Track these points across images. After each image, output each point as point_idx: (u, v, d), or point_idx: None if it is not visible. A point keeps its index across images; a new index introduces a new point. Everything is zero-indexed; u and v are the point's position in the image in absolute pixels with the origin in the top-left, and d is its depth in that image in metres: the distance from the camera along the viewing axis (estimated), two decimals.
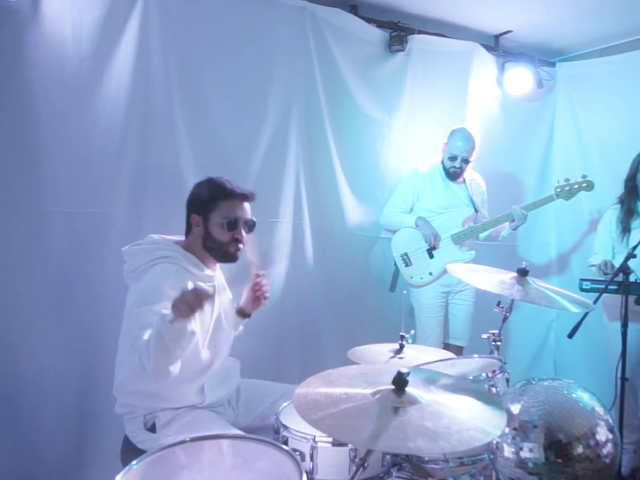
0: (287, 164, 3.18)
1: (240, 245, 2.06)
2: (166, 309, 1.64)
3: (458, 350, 3.37)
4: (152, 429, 1.94)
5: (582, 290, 2.90)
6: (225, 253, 2.05)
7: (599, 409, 1.48)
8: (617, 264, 3.04)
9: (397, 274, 3.47)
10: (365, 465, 1.35)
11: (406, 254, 3.40)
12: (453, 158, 3.33)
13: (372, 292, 3.57)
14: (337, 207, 3.42)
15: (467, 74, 3.90)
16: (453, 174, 3.38)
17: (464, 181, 3.45)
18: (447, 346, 3.38)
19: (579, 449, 1.41)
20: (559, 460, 1.41)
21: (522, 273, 2.02)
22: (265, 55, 3.10)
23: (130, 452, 1.95)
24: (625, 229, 3.10)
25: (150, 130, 2.79)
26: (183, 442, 1.52)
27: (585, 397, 1.50)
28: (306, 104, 3.24)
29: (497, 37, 4.06)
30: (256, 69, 3.08)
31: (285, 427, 1.83)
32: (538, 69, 4.10)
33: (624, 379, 2.69)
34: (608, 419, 1.46)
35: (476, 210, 3.44)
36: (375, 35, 3.52)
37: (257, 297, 2.22)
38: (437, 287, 3.38)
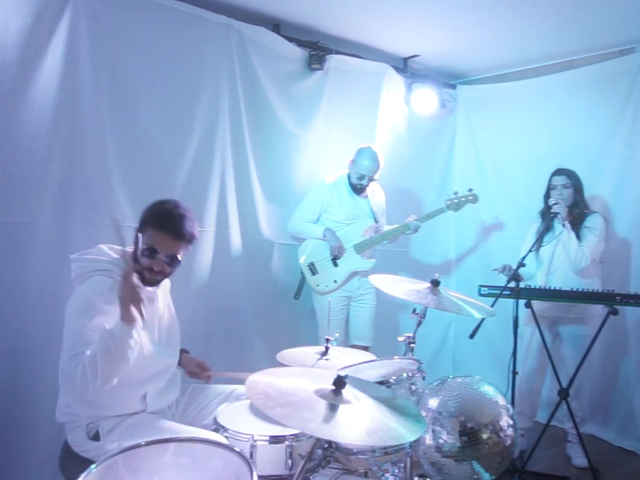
0: (212, 175, 3.29)
1: (157, 275, 2.08)
2: (108, 324, 1.75)
3: (364, 350, 3.62)
4: (96, 437, 2.00)
5: (480, 295, 3.25)
6: (142, 276, 2.04)
7: (502, 400, 1.77)
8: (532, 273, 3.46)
9: (303, 283, 3.66)
10: (312, 457, 1.53)
11: (312, 264, 3.59)
12: (361, 177, 3.56)
13: (281, 297, 3.74)
14: (258, 216, 3.58)
15: (378, 93, 4.20)
16: (359, 189, 3.63)
17: (366, 195, 3.72)
18: (353, 347, 3.62)
19: (486, 434, 1.68)
20: (470, 444, 1.67)
21: (435, 284, 2.29)
22: (192, 68, 3.20)
23: (73, 460, 2.01)
24: (539, 242, 3.43)
25: (78, 140, 2.80)
26: (135, 446, 1.60)
27: (490, 391, 1.78)
28: (230, 117, 3.37)
29: (406, 59, 4.39)
30: (184, 81, 3.17)
31: (224, 428, 1.98)
32: (441, 90, 4.49)
33: (514, 372, 3.07)
34: (509, 408, 1.75)
35: (376, 221, 3.72)
36: (296, 53, 3.72)
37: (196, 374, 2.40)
38: (339, 292, 3.61)
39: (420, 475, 1.63)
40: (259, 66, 3.50)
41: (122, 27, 2.92)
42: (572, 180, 3.44)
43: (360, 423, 1.47)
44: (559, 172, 3.48)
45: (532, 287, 3.23)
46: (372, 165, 3.55)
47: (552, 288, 3.16)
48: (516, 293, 3.06)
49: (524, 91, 4.39)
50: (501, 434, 1.69)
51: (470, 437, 1.68)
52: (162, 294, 2.23)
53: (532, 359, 3.50)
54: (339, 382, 1.56)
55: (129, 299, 1.79)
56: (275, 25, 3.60)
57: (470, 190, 3.76)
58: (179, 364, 2.35)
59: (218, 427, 2.00)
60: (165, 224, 2.04)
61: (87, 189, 2.83)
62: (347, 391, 1.58)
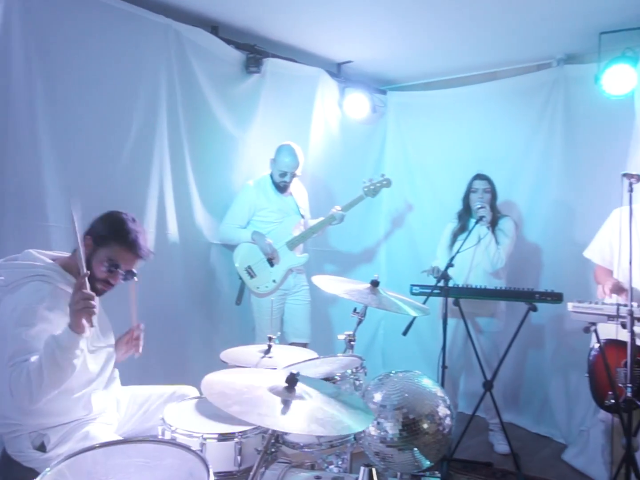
0: (150, 176, 3.28)
1: (109, 288, 2.12)
2: (49, 331, 1.76)
3: (303, 347, 3.72)
4: (42, 447, 1.96)
5: (412, 294, 3.41)
6: (92, 285, 2.01)
7: (439, 392, 1.90)
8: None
9: (243, 288, 3.71)
10: (271, 451, 1.60)
11: (249, 267, 3.65)
12: (283, 174, 3.66)
13: (230, 298, 3.78)
14: (196, 217, 3.59)
15: (313, 96, 4.31)
16: (283, 187, 3.73)
17: (290, 192, 3.82)
18: (293, 345, 3.71)
19: (426, 424, 1.80)
20: (412, 434, 1.79)
21: (374, 284, 2.41)
22: (130, 67, 3.17)
23: (14, 471, 1.97)
24: (454, 240, 3.67)
25: (10, 142, 2.71)
26: (90, 448, 1.61)
27: (429, 384, 1.92)
28: (168, 117, 3.36)
29: (339, 65, 4.51)
30: (121, 80, 3.14)
31: (172, 428, 2.00)
32: (372, 95, 4.65)
33: (444, 367, 3.24)
34: (446, 399, 1.89)
35: (302, 217, 3.83)
36: (234, 56, 3.75)
37: (129, 347, 2.34)
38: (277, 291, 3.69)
39: (365, 465, 1.73)
40: (197, 67, 3.51)
41: (57, 23, 2.86)
42: (491, 185, 3.68)
43: (313, 417, 1.56)
44: (480, 176, 3.70)
45: (460, 286, 3.43)
46: (293, 161, 3.65)
47: (478, 287, 3.37)
48: (445, 292, 3.24)
49: (450, 99, 4.63)
50: (440, 423, 1.82)
51: (411, 427, 1.80)
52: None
53: (456, 353, 3.72)
54: (292, 379, 1.64)
55: (82, 309, 1.77)
56: (214, 27, 3.62)
57: (382, 175, 3.99)
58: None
59: (166, 427, 2.02)
60: (132, 243, 2.08)
61: (20, 193, 2.74)
62: (299, 387, 1.66)
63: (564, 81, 4.02)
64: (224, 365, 2.32)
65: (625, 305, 2.37)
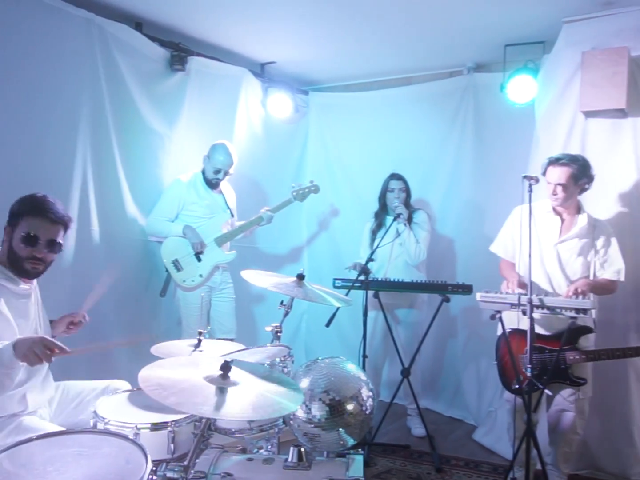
0: (74, 172, 3.23)
1: (39, 265, 2.10)
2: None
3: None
4: None
5: (335, 287, 3.57)
6: (21, 268, 2.06)
7: (362, 375, 2.06)
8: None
9: (169, 280, 3.75)
10: (206, 435, 1.69)
11: (177, 260, 3.69)
12: (217, 171, 3.74)
13: (156, 293, 3.80)
14: (122, 213, 3.58)
15: (237, 96, 4.38)
16: (215, 184, 3.81)
17: (220, 190, 3.90)
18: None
19: (351, 405, 1.96)
20: (337, 415, 1.94)
21: (300, 277, 2.54)
22: (52, 61, 3.11)
23: None
24: (374, 238, 3.85)
25: None
26: (28, 440, 1.64)
27: (353, 368, 2.07)
28: (93, 114, 3.33)
29: (263, 65, 4.61)
30: (42, 74, 3.07)
31: (105, 419, 2.04)
32: (295, 96, 4.78)
33: (364, 356, 3.43)
34: (368, 382, 2.05)
35: (232, 215, 3.92)
36: (158, 53, 3.75)
37: (68, 329, 2.35)
38: (204, 287, 3.75)
39: (295, 445, 1.85)
40: (121, 62, 3.49)
41: None
42: (406, 184, 3.90)
43: (249, 401, 1.66)
44: (396, 176, 3.91)
45: (380, 279, 3.63)
46: (227, 159, 3.75)
47: (396, 280, 3.58)
48: (366, 285, 3.42)
49: (369, 101, 4.84)
50: (363, 404, 1.98)
51: (337, 408, 1.94)
52: (33, 289, 2.22)
53: (376, 343, 3.91)
54: (226, 367, 1.74)
55: (34, 355, 1.80)
56: (138, 24, 3.61)
57: (311, 181, 4.16)
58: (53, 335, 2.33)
59: (98, 419, 2.05)
60: (42, 209, 2.07)
61: None
62: (233, 374, 1.76)
63: (473, 88, 4.33)
64: (151, 359, 2.36)
65: (526, 295, 2.63)
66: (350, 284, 3.42)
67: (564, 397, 2.97)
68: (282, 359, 2.23)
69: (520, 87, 3.88)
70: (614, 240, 3.00)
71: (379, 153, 4.70)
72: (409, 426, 4.02)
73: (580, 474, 3.30)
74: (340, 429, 1.95)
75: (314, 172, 5.03)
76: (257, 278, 2.50)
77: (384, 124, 4.75)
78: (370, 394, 2.02)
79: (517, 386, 2.80)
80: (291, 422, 2.00)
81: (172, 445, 2.02)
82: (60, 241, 2.14)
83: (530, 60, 3.91)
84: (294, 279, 2.53)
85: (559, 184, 2.92)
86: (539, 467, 2.84)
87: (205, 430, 1.73)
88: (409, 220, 3.80)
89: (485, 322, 3.81)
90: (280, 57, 4.47)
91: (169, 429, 2.03)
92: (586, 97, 3.30)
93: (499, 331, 3.00)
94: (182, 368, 1.82)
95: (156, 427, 2.04)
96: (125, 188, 3.59)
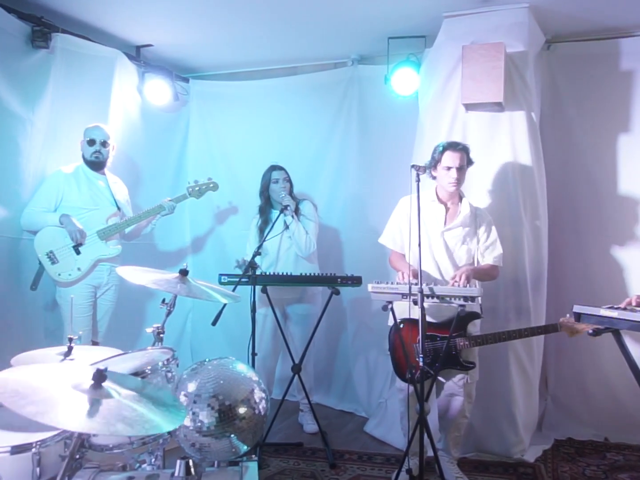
0: None
1: None
2: None
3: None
4: None
5: (221, 283, 3.39)
6: None
7: (253, 376, 1.92)
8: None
9: (41, 273, 3.40)
10: (76, 457, 1.46)
11: (52, 252, 3.36)
12: (91, 142, 3.49)
13: (15, 294, 3.41)
14: None
15: (110, 79, 4.04)
16: (98, 164, 3.53)
17: (107, 183, 3.60)
18: (95, 344, 3.47)
19: (242, 409, 1.81)
20: (228, 421, 1.78)
21: (183, 273, 2.34)
22: None
23: None
24: (262, 235, 3.69)
25: None
26: None
27: (243, 368, 1.92)
28: None
29: (138, 48, 4.29)
30: None
31: None
32: (175, 82, 4.51)
33: (254, 354, 3.28)
34: (260, 382, 1.91)
35: (119, 209, 3.63)
36: (16, 27, 3.35)
37: None
38: (86, 286, 3.45)
39: (181, 458, 1.68)
40: None
41: None
42: (288, 174, 3.81)
43: (121, 416, 1.45)
44: (277, 167, 3.80)
45: (267, 273, 3.50)
46: (99, 129, 3.53)
47: (284, 274, 3.47)
48: (253, 280, 3.28)
49: (253, 91, 4.68)
50: (255, 407, 1.84)
51: (227, 414, 1.79)
52: None
53: (266, 340, 3.79)
54: (99, 376, 1.52)
55: None
56: None
57: (210, 178, 3.97)
58: None
59: None
60: None
61: None
62: (107, 385, 1.55)
63: (358, 80, 4.32)
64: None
65: (417, 284, 2.62)
66: (237, 279, 3.26)
67: (454, 381, 3.03)
68: (165, 362, 2.03)
69: (404, 80, 3.93)
70: (493, 228, 3.12)
71: (264, 145, 4.56)
72: (301, 423, 3.93)
73: (467, 457, 3.38)
74: (232, 436, 1.80)
75: (196, 163, 4.82)
76: (135, 275, 2.27)
77: (269, 115, 4.62)
78: (263, 395, 1.89)
79: (409, 376, 2.79)
80: (177, 432, 1.81)
81: (37, 470, 1.75)
82: None
83: (413, 54, 3.97)
84: (177, 275, 2.33)
85: (458, 168, 2.97)
86: (430, 454, 2.86)
87: (77, 449, 1.50)
88: (296, 211, 3.71)
89: (374, 313, 3.85)
90: (158, 40, 4.19)
91: (34, 450, 1.75)
92: (467, 90, 3.38)
93: (390, 321, 2.98)
94: (49, 374, 1.57)
95: (17, 449, 1.75)
96: None
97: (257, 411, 1.84)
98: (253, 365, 3.29)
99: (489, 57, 3.31)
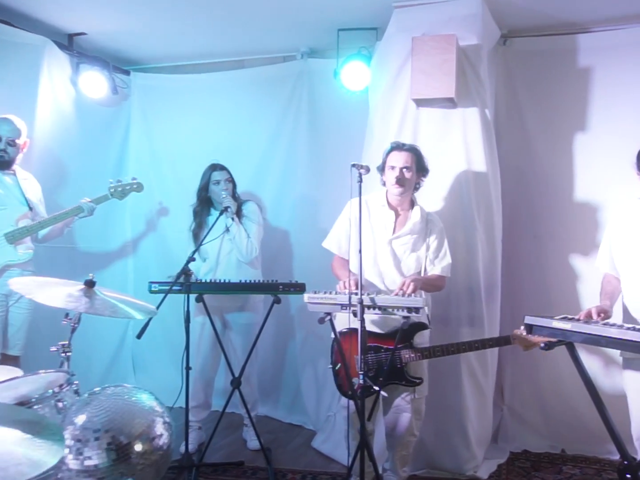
0: None
1: None
2: None
3: (15, 360, 3.20)
4: None
5: (151, 292, 3.12)
6: None
7: (157, 406, 1.67)
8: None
9: None
10: None
11: None
12: None
13: None
14: None
15: (38, 69, 3.73)
16: (2, 163, 3.20)
17: (16, 180, 3.29)
18: (5, 357, 3.17)
19: (139, 446, 1.56)
20: (123, 460, 1.53)
21: (89, 284, 2.06)
22: None
23: None
24: (197, 239, 3.44)
25: None
26: None
27: (144, 398, 1.67)
28: None
29: (71, 36, 3.98)
30: None
31: None
32: (113, 75, 4.22)
33: (188, 368, 3.01)
34: (164, 413, 1.66)
35: (31, 209, 3.32)
36: None
37: None
38: None
39: None
40: None
41: None
42: (230, 174, 3.56)
43: None
44: (218, 167, 3.55)
45: (202, 281, 3.25)
46: (9, 126, 3.19)
47: (221, 281, 3.21)
48: (187, 288, 3.02)
49: (198, 85, 4.41)
50: (156, 442, 1.59)
51: (122, 451, 1.53)
52: None
53: (205, 351, 3.54)
54: None
55: None
56: None
57: (134, 179, 3.63)
58: None
59: None
60: None
61: None
62: None
63: (307, 74, 4.10)
64: None
65: (357, 294, 2.40)
66: (168, 287, 2.99)
67: (401, 397, 2.82)
68: (57, 389, 1.75)
69: (354, 74, 3.73)
70: (444, 237, 2.91)
71: (209, 142, 4.27)
72: (245, 439, 3.68)
73: (417, 474, 3.19)
74: (130, 478, 1.55)
75: (137, 160, 4.53)
76: (28, 287, 1.99)
77: (215, 110, 4.35)
78: (167, 425, 1.64)
79: (350, 392, 2.57)
80: (59, 475, 1.55)
81: None
82: None
83: (364, 47, 3.77)
84: (82, 286, 2.06)
85: (405, 167, 2.75)
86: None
87: None
88: (238, 213, 3.46)
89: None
90: (92, 28, 3.90)
91: None
92: (417, 84, 3.17)
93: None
94: None
95: None
96: None
97: (157, 446, 1.59)
98: (187, 380, 3.03)
99: (440, 50, 3.11)
